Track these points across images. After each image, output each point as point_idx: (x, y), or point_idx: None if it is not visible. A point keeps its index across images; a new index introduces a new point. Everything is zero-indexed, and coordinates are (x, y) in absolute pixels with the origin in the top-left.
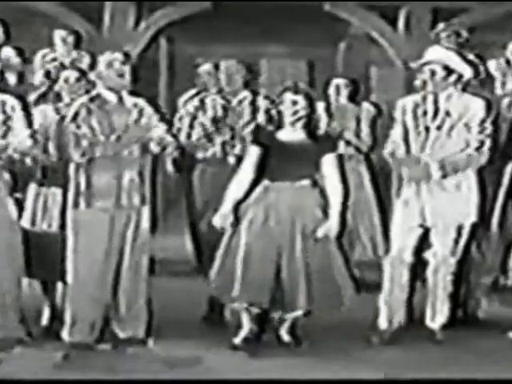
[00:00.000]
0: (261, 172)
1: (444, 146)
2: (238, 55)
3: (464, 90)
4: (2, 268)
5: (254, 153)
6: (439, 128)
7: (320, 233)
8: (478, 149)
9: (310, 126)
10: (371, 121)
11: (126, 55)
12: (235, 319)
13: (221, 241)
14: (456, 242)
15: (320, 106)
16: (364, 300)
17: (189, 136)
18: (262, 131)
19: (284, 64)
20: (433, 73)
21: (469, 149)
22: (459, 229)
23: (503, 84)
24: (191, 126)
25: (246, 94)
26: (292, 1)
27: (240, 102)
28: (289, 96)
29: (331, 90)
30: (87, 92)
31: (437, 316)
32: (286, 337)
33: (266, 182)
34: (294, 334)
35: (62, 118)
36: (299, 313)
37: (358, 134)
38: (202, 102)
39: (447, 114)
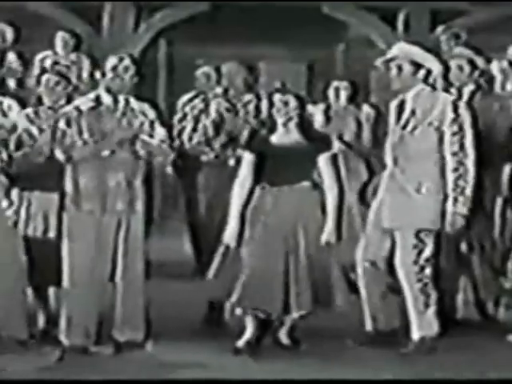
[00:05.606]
0: (258, 177)
1: (407, 144)
2: (237, 57)
3: (434, 87)
4: (7, 272)
5: (248, 159)
6: (404, 128)
7: (322, 240)
8: (455, 154)
9: (303, 126)
10: (371, 123)
11: (131, 58)
12: (235, 322)
13: (220, 243)
14: (415, 247)
15: (319, 108)
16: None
17: (190, 139)
18: (255, 136)
19: (283, 66)
20: (400, 68)
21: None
22: (418, 234)
23: (503, 85)
24: (194, 129)
25: (250, 97)
26: (291, 1)
27: (245, 105)
28: (278, 97)
29: (330, 93)
30: (69, 97)
31: (412, 326)
32: (285, 339)
33: (265, 188)
34: (292, 337)
35: (56, 121)
36: (297, 315)
37: (358, 136)
38: (207, 104)
39: (413, 112)
